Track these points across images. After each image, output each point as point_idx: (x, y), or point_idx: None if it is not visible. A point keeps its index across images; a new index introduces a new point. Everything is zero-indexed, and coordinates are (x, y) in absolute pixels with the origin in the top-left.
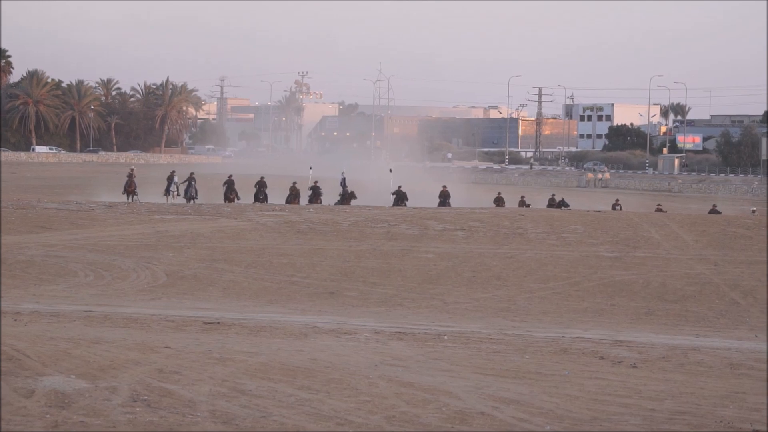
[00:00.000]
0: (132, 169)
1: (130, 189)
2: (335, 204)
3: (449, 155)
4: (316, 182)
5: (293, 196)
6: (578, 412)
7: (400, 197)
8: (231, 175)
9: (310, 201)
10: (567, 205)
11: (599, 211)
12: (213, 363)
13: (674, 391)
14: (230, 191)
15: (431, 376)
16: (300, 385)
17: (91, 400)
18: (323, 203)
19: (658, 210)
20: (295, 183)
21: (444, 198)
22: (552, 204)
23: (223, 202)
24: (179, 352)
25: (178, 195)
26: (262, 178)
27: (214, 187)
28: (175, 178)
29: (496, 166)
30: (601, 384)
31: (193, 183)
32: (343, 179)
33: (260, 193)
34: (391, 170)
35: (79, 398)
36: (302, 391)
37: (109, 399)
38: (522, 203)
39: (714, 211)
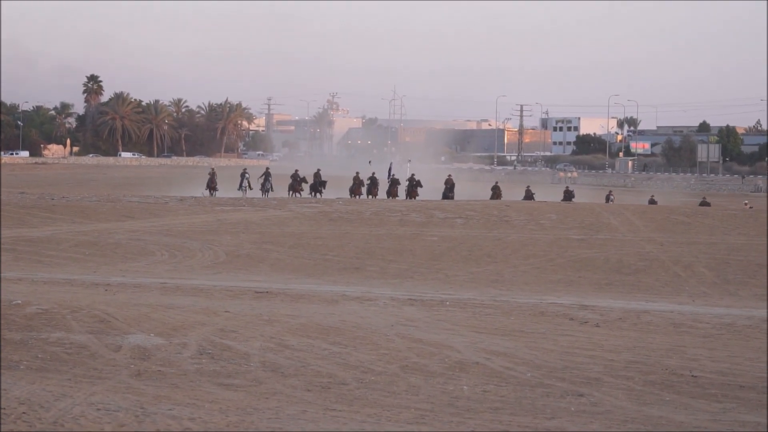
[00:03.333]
0: (213, 169)
1: (211, 186)
2: (386, 192)
3: (443, 158)
4: (373, 173)
5: (356, 185)
6: (553, 362)
7: (412, 184)
8: (297, 170)
9: (368, 189)
10: (573, 197)
11: (569, 203)
12: (263, 324)
13: (629, 345)
14: (297, 183)
15: (436, 334)
16: (332, 341)
17: (166, 354)
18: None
19: (651, 202)
20: (358, 173)
21: (449, 186)
22: (566, 195)
23: (287, 191)
24: (236, 315)
25: (250, 189)
26: (318, 170)
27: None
28: (247, 175)
29: (487, 167)
30: (571, 340)
31: (269, 177)
32: (389, 168)
33: (318, 183)
34: (409, 161)
35: (156, 352)
36: (334, 345)
37: (181, 352)
38: (528, 192)
39: (704, 203)
